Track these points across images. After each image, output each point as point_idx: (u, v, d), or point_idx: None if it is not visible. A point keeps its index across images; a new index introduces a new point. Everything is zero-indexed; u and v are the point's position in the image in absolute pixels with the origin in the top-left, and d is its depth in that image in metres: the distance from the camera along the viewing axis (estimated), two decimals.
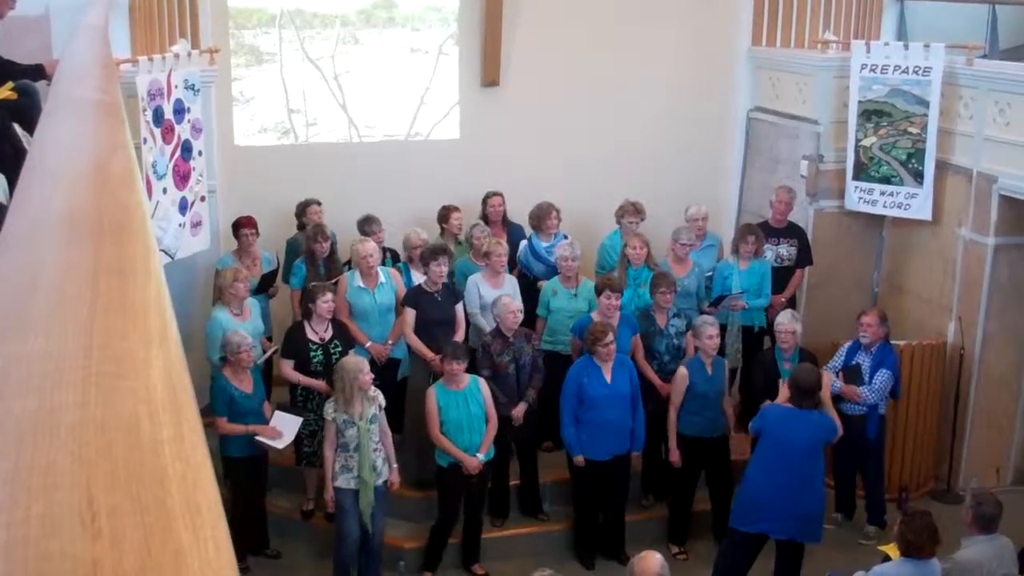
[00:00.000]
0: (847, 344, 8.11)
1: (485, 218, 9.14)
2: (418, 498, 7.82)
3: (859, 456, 8.12)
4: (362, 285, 7.91)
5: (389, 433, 7.21)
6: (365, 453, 6.94)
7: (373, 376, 7.06)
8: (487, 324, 8.07)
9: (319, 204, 8.88)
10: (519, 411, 7.66)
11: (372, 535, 7.15)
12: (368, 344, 7.87)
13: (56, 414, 0.89)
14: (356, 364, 6.92)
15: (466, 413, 7.22)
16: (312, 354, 7.51)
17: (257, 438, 7.26)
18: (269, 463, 7.65)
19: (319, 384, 7.43)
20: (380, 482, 7.09)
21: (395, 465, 7.23)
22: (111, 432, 0.89)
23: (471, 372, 7.42)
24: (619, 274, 8.35)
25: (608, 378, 7.41)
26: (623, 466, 7.65)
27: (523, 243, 8.95)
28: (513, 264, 8.84)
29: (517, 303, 7.71)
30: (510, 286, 8.20)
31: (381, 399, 7.10)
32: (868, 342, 7.92)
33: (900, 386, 8.17)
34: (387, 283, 8.03)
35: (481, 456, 7.28)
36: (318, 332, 7.55)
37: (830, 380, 7.34)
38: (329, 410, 6.98)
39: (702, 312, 8.41)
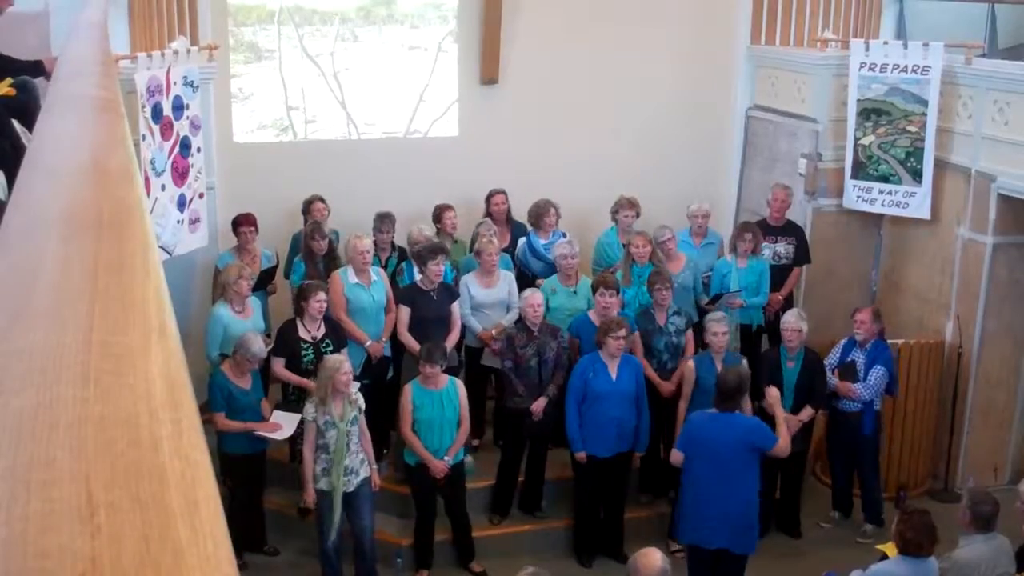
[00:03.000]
0: (843, 341, 8.15)
1: (489, 216, 9.14)
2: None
3: (855, 453, 8.16)
4: (358, 282, 7.90)
5: (368, 435, 7.18)
6: (340, 456, 6.88)
7: (353, 376, 7.00)
8: (478, 325, 8.08)
9: (323, 201, 8.87)
10: (539, 405, 7.65)
11: (362, 534, 7.15)
12: (368, 343, 7.85)
13: (55, 410, 0.89)
14: (334, 363, 6.88)
15: (439, 414, 7.20)
16: (303, 353, 7.49)
17: (257, 433, 7.26)
18: (267, 460, 7.65)
19: (311, 384, 7.39)
20: (359, 481, 7.04)
21: (374, 466, 7.22)
22: (110, 428, 0.88)
23: (473, 369, 7.43)
24: (624, 272, 8.37)
25: (613, 375, 7.42)
26: (624, 464, 7.66)
27: (521, 241, 8.95)
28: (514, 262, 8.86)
29: (538, 298, 7.70)
30: (504, 285, 8.20)
31: (361, 402, 7.06)
32: (862, 339, 7.96)
33: (897, 383, 8.18)
34: (379, 280, 8.02)
35: (448, 459, 7.25)
36: (310, 331, 7.53)
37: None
38: (310, 411, 6.90)
39: (699, 309, 8.43)
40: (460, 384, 7.39)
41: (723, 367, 7.55)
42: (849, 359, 8.03)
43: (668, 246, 8.60)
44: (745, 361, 7.81)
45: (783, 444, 6.72)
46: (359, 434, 7.05)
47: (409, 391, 7.21)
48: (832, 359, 8.12)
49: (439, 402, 7.21)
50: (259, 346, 7.16)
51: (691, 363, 7.71)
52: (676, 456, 6.91)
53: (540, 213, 8.92)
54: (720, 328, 7.59)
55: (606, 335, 7.32)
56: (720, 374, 6.83)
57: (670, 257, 8.64)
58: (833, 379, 7.99)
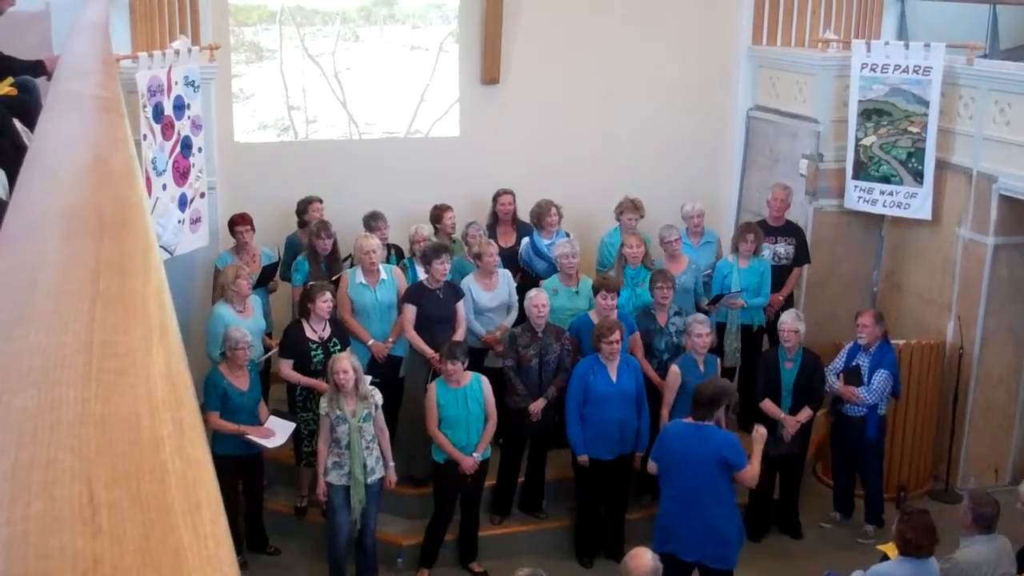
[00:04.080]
0: (848, 346, 8.13)
1: (495, 216, 9.13)
2: (415, 495, 7.83)
3: (858, 456, 8.14)
4: (363, 282, 7.90)
5: (386, 432, 7.20)
6: (356, 451, 6.93)
7: (358, 373, 7.00)
8: (482, 328, 8.08)
9: (320, 202, 8.87)
10: (537, 406, 7.65)
11: (365, 533, 7.15)
12: (370, 343, 7.86)
13: (56, 410, 0.89)
14: (331, 363, 6.96)
15: (465, 411, 7.22)
16: (312, 353, 7.50)
17: (247, 437, 7.24)
18: (266, 461, 7.64)
19: (319, 384, 7.39)
20: (373, 480, 7.07)
21: (391, 464, 7.23)
22: (111, 428, 0.88)
23: (476, 370, 7.43)
24: (617, 274, 8.35)
25: (613, 377, 7.41)
26: (625, 465, 7.66)
27: (524, 240, 8.95)
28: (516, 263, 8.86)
29: (543, 298, 7.70)
30: (504, 286, 8.20)
31: (378, 398, 7.09)
32: (866, 343, 7.94)
33: (900, 385, 8.17)
34: (389, 280, 8.02)
35: (477, 455, 7.28)
36: (317, 331, 7.54)
37: (764, 433, 6.66)
38: (323, 405, 6.99)
39: (699, 310, 8.42)
40: (485, 380, 7.38)
41: (704, 368, 7.59)
42: (854, 363, 8.00)
43: (674, 246, 8.60)
44: (719, 361, 7.94)
45: (752, 473, 6.48)
46: (376, 430, 7.07)
47: (433, 390, 7.24)
48: (838, 363, 8.09)
49: (463, 399, 7.22)
50: (241, 332, 7.18)
51: (675, 368, 7.65)
52: (652, 466, 6.86)
53: (541, 213, 8.92)
54: (704, 330, 7.60)
55: (600, 340, 7.32)
56: (698, 385, 6.68)
57: (674, 258, 8.63)
58: (837, 383, 7.97)
